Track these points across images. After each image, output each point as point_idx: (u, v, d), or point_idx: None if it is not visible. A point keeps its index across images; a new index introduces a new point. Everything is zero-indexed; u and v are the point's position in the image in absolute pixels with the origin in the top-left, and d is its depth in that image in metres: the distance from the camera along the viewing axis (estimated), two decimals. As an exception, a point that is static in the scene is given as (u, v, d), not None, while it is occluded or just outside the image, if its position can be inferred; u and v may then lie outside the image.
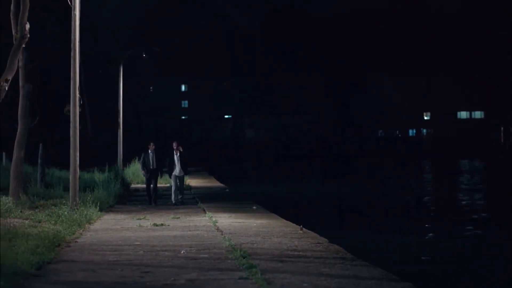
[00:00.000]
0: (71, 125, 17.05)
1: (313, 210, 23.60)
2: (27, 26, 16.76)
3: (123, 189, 24.89)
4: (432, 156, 76.05)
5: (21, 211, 17.13)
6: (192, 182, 32.85)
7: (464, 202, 29.64)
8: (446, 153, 75.27)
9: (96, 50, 47.09)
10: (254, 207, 21.08)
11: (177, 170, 21.76)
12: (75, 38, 16.77)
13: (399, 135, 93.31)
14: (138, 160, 25.77)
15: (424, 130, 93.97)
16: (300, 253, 11.69)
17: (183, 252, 11.73)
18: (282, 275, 9.44)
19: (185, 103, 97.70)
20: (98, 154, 42.77)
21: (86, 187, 22.18)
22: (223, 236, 13.96)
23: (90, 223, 16.47)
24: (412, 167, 61.37)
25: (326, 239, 13.49)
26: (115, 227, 15.94)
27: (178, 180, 21.77)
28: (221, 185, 32.82)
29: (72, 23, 16.77)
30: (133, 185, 30.43)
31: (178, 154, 21.79)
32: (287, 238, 13.67)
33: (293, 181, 40.31)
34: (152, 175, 22.32)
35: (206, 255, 11.40)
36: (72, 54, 16.79)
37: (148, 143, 22.50)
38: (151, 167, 22.26)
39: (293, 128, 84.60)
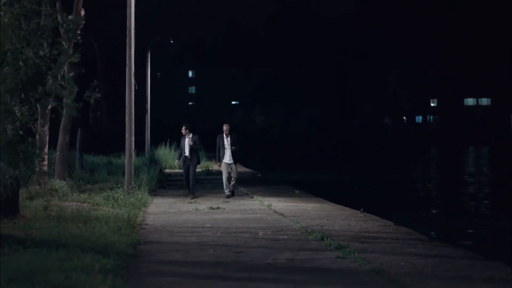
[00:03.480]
0: (127, 110, 17.36)
1: (350, 194, 23.80)
2: (82, 12, 16.96)
3: (161, 173, 25.18)
4: (446, 143, 75.50)
5: (78, 195, 17.42)
6: (222, 167, 33.15)
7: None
8: (454, 140, 74.74)
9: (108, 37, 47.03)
10: (296, 191, 21.39)
11: (227, 157, 19.10)
12: (130, 25, 17.01)
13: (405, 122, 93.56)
14: (177, 147, 22.11)
15: (431, 117, 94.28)
16: (375, 234, 12.02)
17: (261, 234, 12.05)
18: (374, 255, 9.76)
19: (192, 89, 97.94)
20: (116, 140, 43.09)
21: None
22: (287, 219, 14.27)
23: (145, 207, 16.77)
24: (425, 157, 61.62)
25: (391, 222, 13.83)
26: (172, 211, 16.23)
27: (230, 169, 19.18)
28: (251, 170, 33.11)
29: (128, 10, 17.00)
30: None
31: (229, 139, 19.12)
32: (352, 220, 14.00)
33: (315, 168, 40.44)
34: (187, 163, 19.33)
35: (285, 237, 11.71)
36: (127, 40, 17.04)
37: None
38: (186, 155, 19.26)
39: (302, 117, 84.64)
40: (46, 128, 16.99)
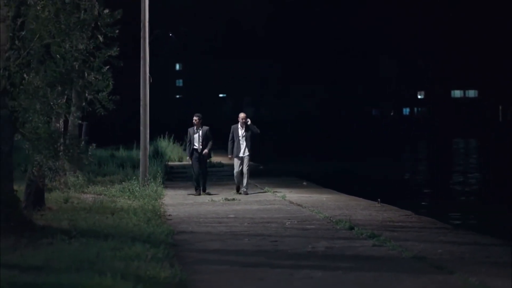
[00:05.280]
0: (141, 102, 17.52)
1: (357, 186, 24.02)
2: (97, 6, 17.04)
3: (166, 166, 25.37)
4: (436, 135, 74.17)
5: (93, 187, 17.55)
6: (223, 159, 33.25)
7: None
8: (456, 136, 72.06)
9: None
10: (304, 183, 21.62)
11: (241, 150, 17.61)
12: (144, 18, 17.17)
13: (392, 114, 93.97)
14: (186, 140, 19.13)
15: (419, 109, 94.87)
16: (400, 223, 12.30)
17: (288, 224, 12.27)
18: (409, 243, 10.02)
19: (179, 82, 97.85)
20: (113, 133, 43.20)
21: (135, 164, 22.74)
22: (306, 209, 14.49)
23: (160, 198, 16.92)
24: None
25: (410, 211, 14.12)
26: (188, 202, 16.38)
27: (243, 162, 17.77)
28: (251, 162, 33.18)
29: (142, 4, 17.15)
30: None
31: (244, 129, 17.55)
32: (372, 210, 14.26)
33: (315, 161, 40.47)
34: (197, 158, 17.90)
35: (313, 226, 11.95)
36: (142, 34, 17.20)
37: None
38: (196, 148, 17.80)
39: (292, 108, 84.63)
40: (61, 121, 17.06)
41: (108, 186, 17.86)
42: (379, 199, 15.36)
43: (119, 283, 6.76)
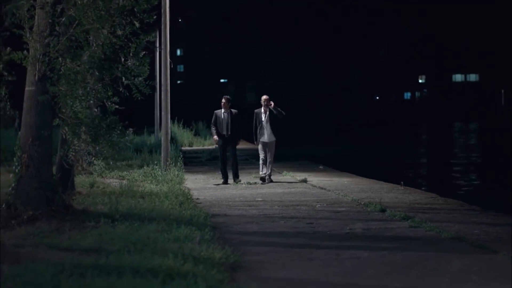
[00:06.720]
0: (163, 88, 17.63)
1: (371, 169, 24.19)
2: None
3: (181, 151, 25.56)
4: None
5: (116, 172, 17.70)
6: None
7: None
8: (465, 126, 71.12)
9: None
10: (320, 167, 21.80)
11: (266, 135, 16.69)
12: (165, 4, 17.24)
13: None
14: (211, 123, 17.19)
15: (420, 94, 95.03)
16: (429, 206, 12.48)
17: (318, 206, 12.45)
18: (444, 224, 10.20)
19: (180, 68, 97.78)
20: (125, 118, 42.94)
21: (151, 149, 22.93)
22: (331, 192, 14.68)
23: (182, 183, 17.07)
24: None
25: (434, 194, 14.30)
26: (211, 186, 16.53)
27: (267, 149, 16.83)
28: (260, 146, 33.33)
29: (163, -11, 17.23)
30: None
31: (268, 112, 16.68)
32: (397, 193, 14.43)
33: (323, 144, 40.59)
34: (225, 144, 16.86)
35: (343, 209, 12.13)
36: (162, 19, 17.27)
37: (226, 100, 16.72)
38: (224, 133, 16.74)
39: (293, 94, 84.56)
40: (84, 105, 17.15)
41: (130, 170, 18.02)
42: (402, 182, 15.53)
43: (179, 264, 6.92)
